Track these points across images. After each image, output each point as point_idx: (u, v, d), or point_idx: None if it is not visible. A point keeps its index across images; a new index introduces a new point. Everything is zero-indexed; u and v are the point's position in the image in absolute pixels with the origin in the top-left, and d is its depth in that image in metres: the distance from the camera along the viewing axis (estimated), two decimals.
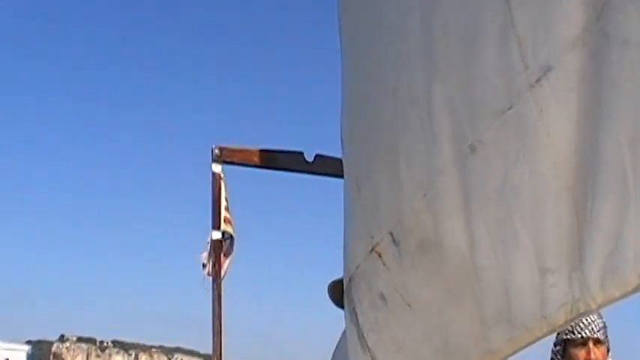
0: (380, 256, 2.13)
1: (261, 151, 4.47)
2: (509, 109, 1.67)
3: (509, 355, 1.80)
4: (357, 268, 2.30)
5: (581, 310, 1.62)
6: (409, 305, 2.04)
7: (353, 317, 2.38)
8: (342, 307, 2.64)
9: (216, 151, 4.34)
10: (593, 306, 1.60)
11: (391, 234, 2.07)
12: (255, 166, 4.46)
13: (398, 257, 2.05)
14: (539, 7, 1.61)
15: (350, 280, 2.39)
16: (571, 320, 1.67)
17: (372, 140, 2.23)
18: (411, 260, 2.01)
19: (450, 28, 1.87)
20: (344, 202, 2.52)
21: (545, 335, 1.73)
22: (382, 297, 2.14)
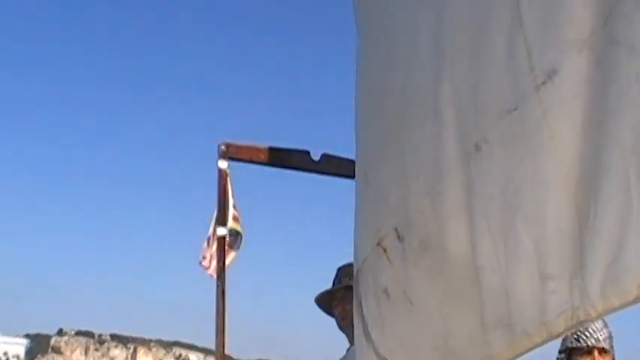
0: (385, 250, 2.13)
1: (268, 148, 4.47)
2: (515, 109, 1.66)
3: None
4: (364, 261, 2.32)
5: (581, 318, 1.59)
6: (411, 302, 2.03)
7: (359, 310, 2.38)
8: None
9: (223, 147, 4.34)
10: (593, 314, 1.57)
11: (396, 230, 2.07)
12: (262, 163, 4.45)
13: (402, 253, 2.06)
14: (547, 9, 1.59)
15: (357, 272, 2.40)
16: (571, 328, 1.64)
17: (382, 135, 2.24)
18: (414, 258, 2.01)
19: (459, 25, 1.85)
20: (355, 196, 2.55)
21: (544, 342, 1.71)
22: (385, 292, 2.15)
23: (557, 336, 1.73)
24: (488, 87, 1.75)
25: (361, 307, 2.36)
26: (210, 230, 4.52)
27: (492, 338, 1.78)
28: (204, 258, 4.52)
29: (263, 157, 4.44)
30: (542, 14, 1.60)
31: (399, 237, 2.07)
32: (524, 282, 1.69)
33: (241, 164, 4.47)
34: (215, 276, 4.43)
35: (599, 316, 1.61)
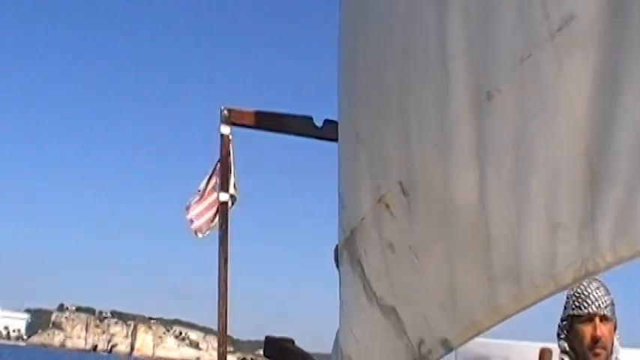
0: (387, 206, 2.12)
1: (270, 114, 4.45)
2: (529, 57, 1.63)
3: (515, 313, 1.77)
4: (363, 219, 2.30)
5: (590, 270, 1.59)
6: (416, 256, 2.02)
7: (357, 268, 2.37)
8: None
9: (225, 112, 4.31)
10: (602, 265, 1.57)
11: (400, 183, 2.05)
12: (264, 129, 4.44)
13: (407, 207, 2.04)
14: None
15: (353, 232, 2.38)
16: (579, 279, 1.63)
17: (377, 92, 2.20)
18: (420, 211, 1.99)
19: None
20: (341, 156, 2.52)
21: (551, 294, 1.70)
22: (391, 246, 2.13)
23: (565, 288, 1.74)
24: (499, 34, 1.72)
25: (360, 264, 2.35)
26: (202, 188, 4.51)
27: (499, 290, 1.76)
28: (196, 218, 4.53)
29: (266, 122, 4.43)
30: None
31: (403, 191, 2.05)
32: (534, 233, 1.68)
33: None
34: (200, 234, 4.48)
35: (609, 268, 1.59)
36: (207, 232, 4.55)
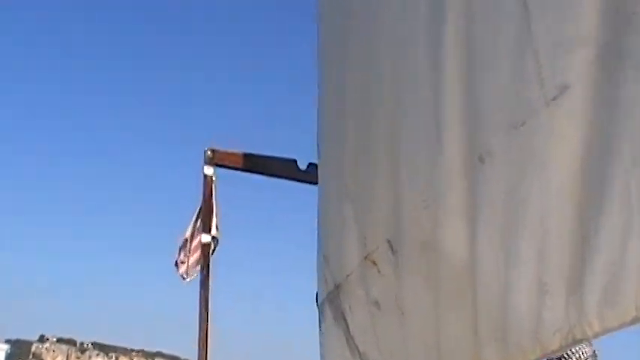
0: (375, 263, 2.12)
1: (254, 156, 4.46)
2: (523, 124, 1.66)
3: None
4: (349, 276, 2.29)
5: (577, 337, 1.58)
6: (402, 313, 2.03)
7: (340, 323, 2.37)
8: None
9: (209, 153, 4.33)
10: (590, 334, 1.56)
11: (389, 242, 2.05)
12: (249, 170, 4.44)
13: (394, 265, 2.04)
14: (558, 22, 1.59)
15: (337, 287, 2.37)
16: (566, 347, 1.62)
17: (366, 146, 2.21)
18: (408, 268, 2.00)
19: (461, 34, 1.84)
20: (324, 207, 2.49)
21: (538, 358, 1.69)
22: (376, 303, 2.14)
23: (551, 353, 1.71)
24: (493, 99, 1.75)
25: (344, 319, 2.34)
26: (188, 233, 4.50)
27: (485, 349, 1.77)
28: (181, 262, 4.51)
29: (250, 164, 4.44)
30: (553, 27, 1.61)
31: (392, 249, 2.04)
32: (522, 294, 1.68)
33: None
34: (187, 278, 4.47)
35: (596, 337, 1.59)
36: (194, 275, 4.52)
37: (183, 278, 4.53)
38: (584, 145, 1.56)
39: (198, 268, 4.47)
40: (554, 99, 1.59)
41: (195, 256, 4.47)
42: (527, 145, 1.66)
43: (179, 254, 4.51)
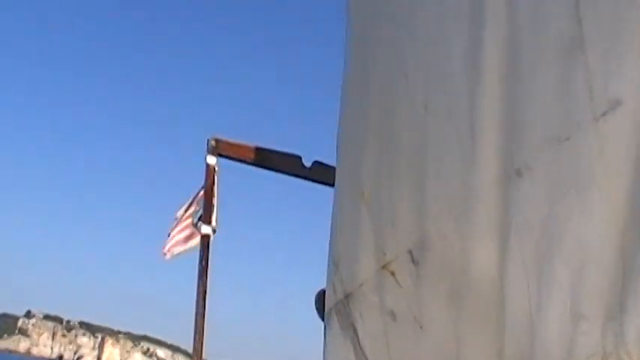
0: (393, 274, 2.02)
1: (259, 149, 4.35)
2: (567, 139, 1.56)
3: None
4: (362, 285, 2.19)
5: None
6: (421, 327, 1.93)
7: (348, 332, 2.28)
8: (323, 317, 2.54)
9: (212, 142, 4.22)
10: None
11: (410, 252, 1.95)
12: (251, 163, 4.33)
13: (415, 277, 1.94)
14: (613, 32, 1.50)
15: (347, 295, 2.28)
16: None
17: (389, 153, 2.10)
18: (431, 282, 1.90)
19: (504, 39, 1.73)
20: (339, 214, 2.39)
21: None
22: (392, 314, 2.04)
23: None
24: (536, 110, 1.65)
25: (353, 328, 2.25)
26: (179, 214, 4.38)
27: None
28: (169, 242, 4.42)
29: (253, 157, 4.32)
30: (607, 35, 1.51)
31: (413, 260, 1.94)
32: (554, 318, 1.60)
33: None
34: (167, 255, 4.37)
35: None
36: (177, 254, 4.42)
37: (164, 255, 4.42)
38: (633, 167, 1.47)
39: (183, 250, 4.38)
40: (603, 114, 1.50)
41: (181, 236, 4.36)
42: (571, 162, 1.57)
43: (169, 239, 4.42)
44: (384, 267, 2.05)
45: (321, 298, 3.68)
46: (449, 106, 1.86)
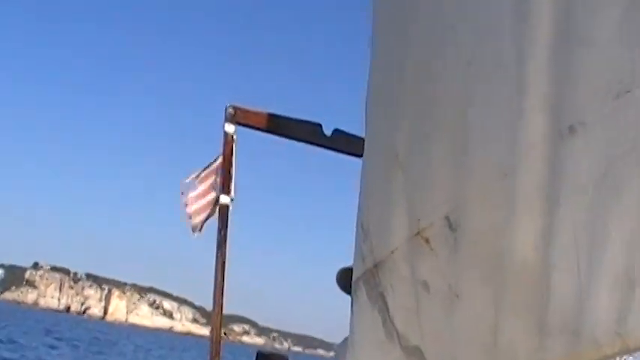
0: (427, 241, 1.91)
1: (278, 117, 4.23)
2: (628, 92, 1.43)
3: None
4: (393, 252, 2.08)
5: None
6: (457, 296, 1.82)
7: (377, 303, 2.17)
8: (350, 293, 2.45)
9: (230, 110, 4.12)
10: None
11: (447, 218, 1.83)
12: (270, 131, 4.23)
13: (452, 244, 1.82)
14: None
15: (377, 264, 2.17)
16: None
17: (427, 114, 1.96)
18: (469, 249, 1.78)
19: None
20: (369, 180, 2.28)
21: (615, 355, 1.53)
22: (425, 284, 1.93)
23: (634, 350, 1.54)
24: (593, 63, 1.52)
25: (383, 299, 2.14)
26: (201, 176, 4.30)
27: (551, 344, 1.58)
28: (192, 211, 4.33)
29: (272, 125, 4.22)
30: None
31: (450, 226, 1.82)
32: (606, 286, 1.50)
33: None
34: (196, 233, 4.31)
35: None
36: (203, 231, 4.37)
37: (193, 231, 4.35)
38: None
39: (199, 220, 4.31)
40: None
41: (207, 212, 4.29)
42: (630, 116, 1.45)
43: (191, 203, 4.32)
44: (417, 234, 1.94)
45: (342, 276, 3.61)
46: (495, 59, 1.72)
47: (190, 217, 4.32)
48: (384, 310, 2.13)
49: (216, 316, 3.98)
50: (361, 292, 2.26)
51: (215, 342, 3.98)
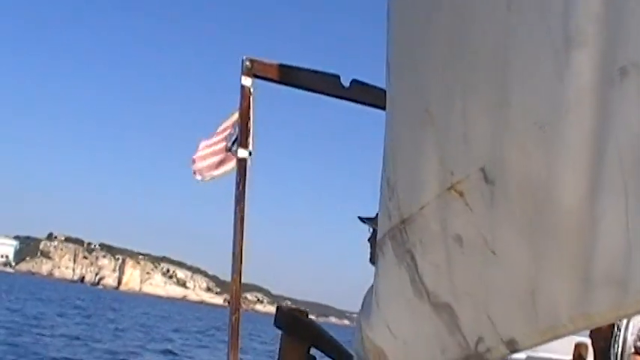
0: (461, 195, 1.83)
1: (295, 69, 4.18)
2: None
3: (610, 321, 1.55)
4: (423, 208, 2.00)
5: None
6: (493, 252, 1.75)
7: (405, 260, 2.10)
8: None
9: (247, 63, 4.06)
10: None
11: (482, 170, 1.75)
12: (287, 84, 4.17)
13: (489, 197, 1.74)
14: None
15: (404, 220, 2.10)
16: None
17: (462, 64, 1.87)
18: (507, 202, 1.71)
19: None
20: (396, 134, 2.20)
21: None
22: (458, 239, 1.86)
23: None
24: None
25: (411, 256, 2.07)
26: (214, 140, 4.29)
27: (596, 296, 1.52)
28: (198, 155, 4.33)
29: (289, 77, 4.16)
30: None
31: (486, 179, 1.74)
32: None
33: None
34: (199, 176, 4.31)
35: None
36: (208, 179, 4.35)
37: (195, 174, 4.35)
38: None
39: (217, 175, 4.30)
40: None
41: (215, 160, 4.26)
42: None
43: (200, 149, 4.31)
44: (450, 188, 1.86)
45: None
46: (538, 2, 1.61)
47: (194, 162, 4.31)
48: (413, 267, 2.07)
49: (236, 273, 3.96)
50: (387, 249, 2.19)
51: (235, 297, 3.97)
